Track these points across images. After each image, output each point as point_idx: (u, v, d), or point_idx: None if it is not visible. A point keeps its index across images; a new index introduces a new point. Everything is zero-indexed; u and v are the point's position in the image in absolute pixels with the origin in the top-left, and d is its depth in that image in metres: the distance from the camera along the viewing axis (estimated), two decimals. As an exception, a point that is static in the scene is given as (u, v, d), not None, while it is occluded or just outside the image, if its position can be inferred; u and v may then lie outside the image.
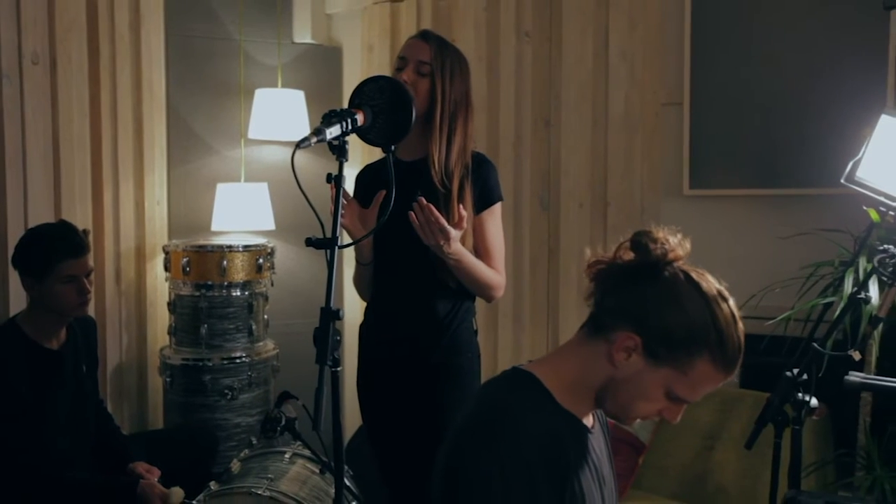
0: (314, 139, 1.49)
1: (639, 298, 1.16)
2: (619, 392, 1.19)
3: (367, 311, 2.14)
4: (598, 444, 1.29)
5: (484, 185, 2.01)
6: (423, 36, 2.02)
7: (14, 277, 2.42)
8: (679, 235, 1.19)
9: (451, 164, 1.97)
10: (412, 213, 1.82)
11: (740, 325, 1.16)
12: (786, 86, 2.74)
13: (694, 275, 1.17)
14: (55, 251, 2.20)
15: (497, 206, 2.05)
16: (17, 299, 2.54)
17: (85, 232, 2.34)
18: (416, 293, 2.01)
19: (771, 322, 2.36)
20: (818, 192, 2.60)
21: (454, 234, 1.83)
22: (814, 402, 1.73)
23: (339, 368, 1.46)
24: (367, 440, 2.18)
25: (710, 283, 1.17)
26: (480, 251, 2.04)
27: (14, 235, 2.46)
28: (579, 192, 3.20)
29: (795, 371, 1.72)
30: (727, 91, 2.88)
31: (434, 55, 1.97)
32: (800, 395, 1.73)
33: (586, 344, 1.22)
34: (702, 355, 1.13)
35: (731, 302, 1.17)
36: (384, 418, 2.09)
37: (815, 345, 1.71)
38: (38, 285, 2.22)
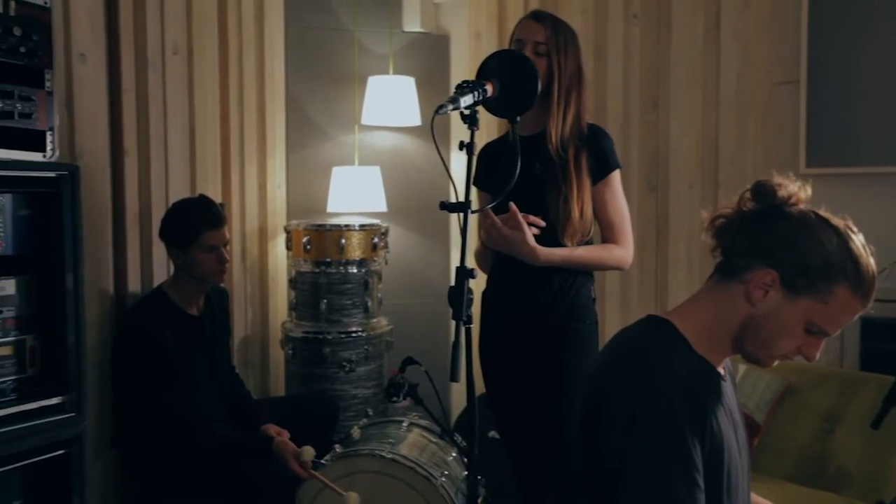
0: (450, 106, 1.59)
1: (772, 236, 1.22)
2: (760, 330, 1.23)
3: (489, 280, 2.22)
4: (729, 392, 1.32)
5: (599, 155, 2.06)
6: (536, 16, 2.09)
7: (157, 250, 2.62)
8: (798, 181, 1.24)
9: (567, 135, 2.04)
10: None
11: (871, 257, 1.21)
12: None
13: (822, 212, 1.23)
14: (198, 222, 2.38)
15: (613, 176, 2.09)
16: (159, 271, 2.73)
17: (222, 205, 2.51)
18: None
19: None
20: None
21: (529, 236, 1.95)
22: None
23: (471, 325, 1.55)
24: (489, 405, 2.26)
25: (838, 219, 1.23)
26: (603, 224, 2.10)
27: (157, 211, 2.64)
28: (689, 172, 3.18)
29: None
30: (844, 68, 2.82)
31: (549, 34, 2.05)
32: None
33: (719, 289, 1.27)
34: (840, 283, 1.18)
35: (861, 236, 1.22)
36: (505, 382, 2.16)
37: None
38: (183, 255, 2.40)
